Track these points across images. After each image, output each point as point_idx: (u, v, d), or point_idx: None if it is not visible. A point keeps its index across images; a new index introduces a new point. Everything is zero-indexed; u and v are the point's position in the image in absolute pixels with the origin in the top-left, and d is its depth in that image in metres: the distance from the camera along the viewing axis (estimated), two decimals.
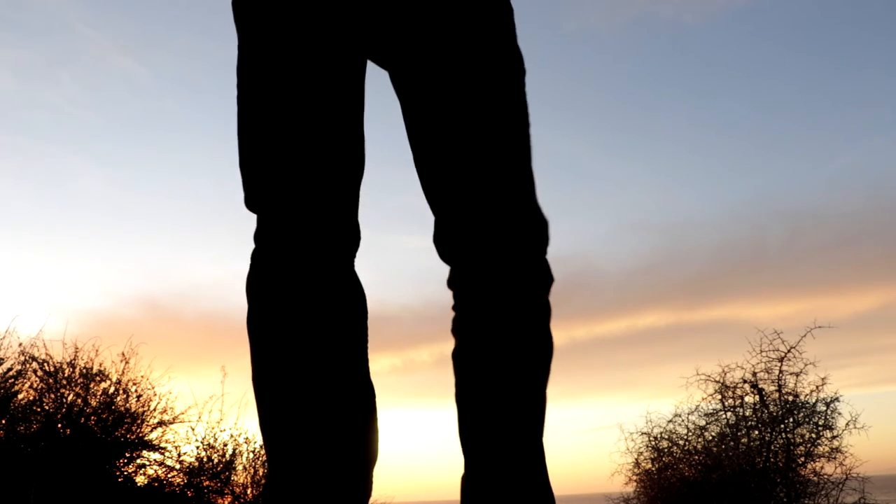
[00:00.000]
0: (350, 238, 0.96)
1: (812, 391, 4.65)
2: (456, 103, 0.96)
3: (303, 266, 0.90)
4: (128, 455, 4.14)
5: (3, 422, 3.67)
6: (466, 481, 0.95)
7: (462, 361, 0.98)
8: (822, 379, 4.63)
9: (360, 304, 0.96)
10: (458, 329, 1.00)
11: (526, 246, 0.97)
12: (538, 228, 0.99)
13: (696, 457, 4.72)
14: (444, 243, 1.00)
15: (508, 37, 1.01)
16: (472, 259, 0.97)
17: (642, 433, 4.99)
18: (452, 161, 0.97)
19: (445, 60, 0.96)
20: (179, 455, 4.50)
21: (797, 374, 4.66)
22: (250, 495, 4.81)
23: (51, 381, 4.00)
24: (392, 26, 0.98)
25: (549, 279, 0.99)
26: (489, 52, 0.98)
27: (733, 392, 4.76)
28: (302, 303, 0.89)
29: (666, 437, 4.87)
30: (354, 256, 0.97)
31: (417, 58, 0.98)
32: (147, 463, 4.30)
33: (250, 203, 0.96)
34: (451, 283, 1.02)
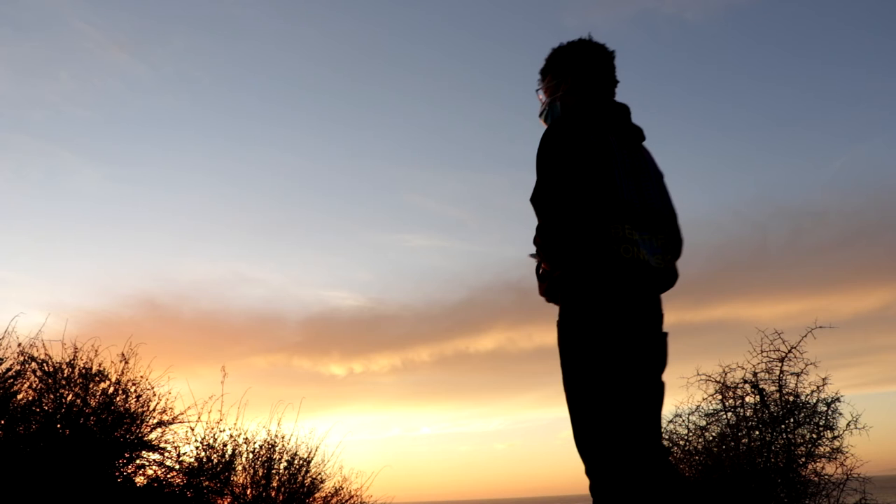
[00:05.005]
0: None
1: (813, 391, 4.64)
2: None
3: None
4: (128, 455, 4.14)
5: (3, 422, 3.66)
6: None
7: None
8: (823, 379, 4.63)
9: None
10: None
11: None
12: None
13: (697, 457, 4.72)
14: None
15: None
16: None
17: None
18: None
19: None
20: (179, 455, 4.49)
21: (798, 375, 4.66)
22: (250, 495, 4.80)
23: (50, 381, 3.99)
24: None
25: None
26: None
27: (734, 392, 4.75)
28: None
29: (666, 437, 4.86)
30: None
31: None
32: (147, 463, 4.29)
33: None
34: None
